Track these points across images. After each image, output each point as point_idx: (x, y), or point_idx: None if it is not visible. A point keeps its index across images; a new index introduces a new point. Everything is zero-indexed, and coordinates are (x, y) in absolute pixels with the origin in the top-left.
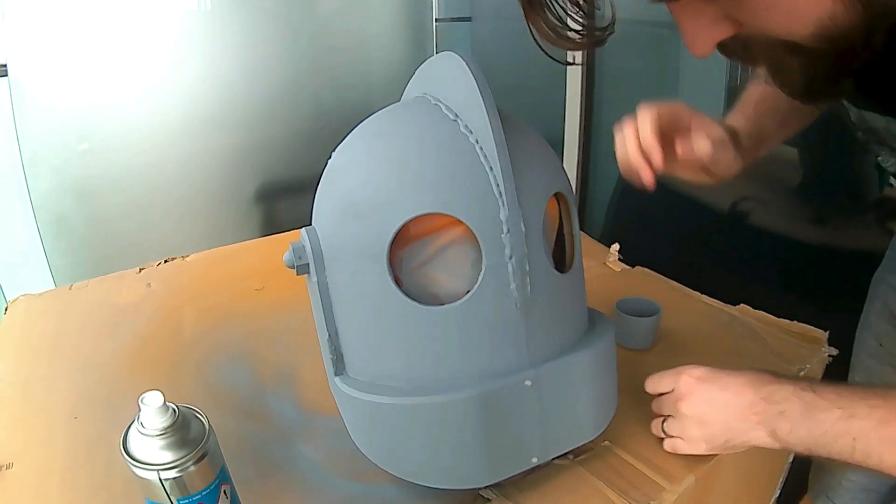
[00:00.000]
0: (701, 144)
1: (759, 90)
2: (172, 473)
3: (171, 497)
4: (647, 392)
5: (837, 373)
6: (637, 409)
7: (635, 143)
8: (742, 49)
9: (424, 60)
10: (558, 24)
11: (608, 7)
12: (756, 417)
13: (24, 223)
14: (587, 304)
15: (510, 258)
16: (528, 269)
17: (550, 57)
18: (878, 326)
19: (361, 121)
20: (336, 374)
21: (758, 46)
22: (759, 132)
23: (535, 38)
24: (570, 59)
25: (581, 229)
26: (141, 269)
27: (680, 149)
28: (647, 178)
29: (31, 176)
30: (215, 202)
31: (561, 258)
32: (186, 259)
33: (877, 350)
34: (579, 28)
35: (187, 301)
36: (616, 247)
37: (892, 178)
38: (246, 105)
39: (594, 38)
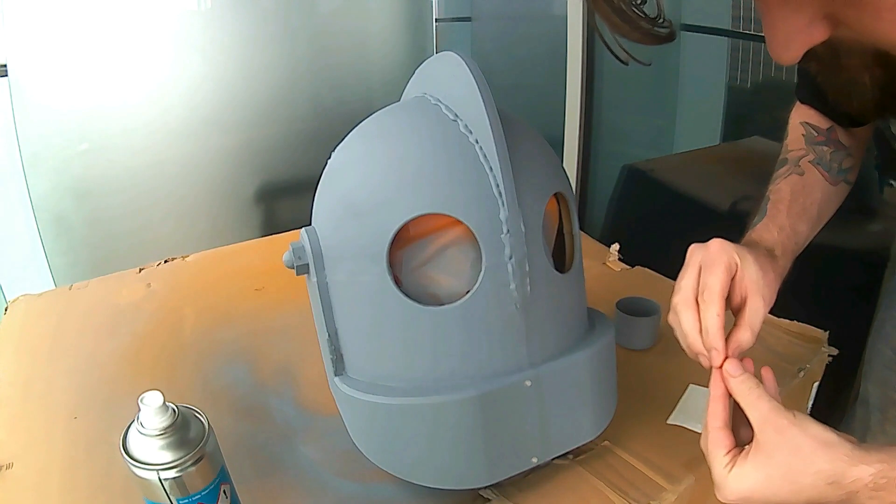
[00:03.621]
0: (744, 338)
1: (788, 187)
2: (172, 473)
3: (171, 497)
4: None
5: (838, 373)
6: (637, 409)
7: (697, 339)
8: (830, 56)
9: (424, 60)
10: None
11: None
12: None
13: (24, 223)
14: (587, 304)
15: (510, 258)
16: (527, 269)
17: (617, 58)
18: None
19: (361, 121)
20: (336, 374)
21: (847, 53)
22: (796, 244)
23: (600, 35)
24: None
25: (581, 229)
26: (141, 270)
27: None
28: (708, 364)
29: (31, 176)
30: (215, 202)
31: (561, 258)
32: (186, 259)
33: (892, 360)
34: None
35: (187, 301)
36: (616, 247)
37: None
38: (246, 105)
39: (660, 27)
